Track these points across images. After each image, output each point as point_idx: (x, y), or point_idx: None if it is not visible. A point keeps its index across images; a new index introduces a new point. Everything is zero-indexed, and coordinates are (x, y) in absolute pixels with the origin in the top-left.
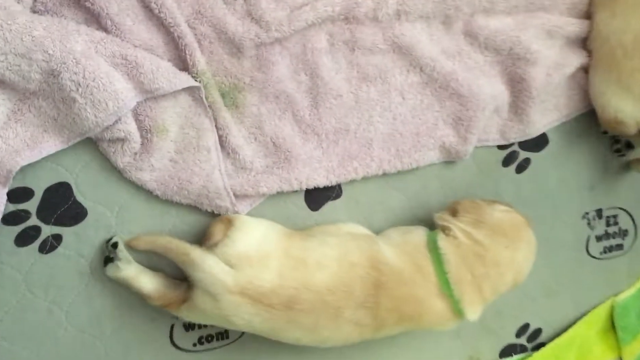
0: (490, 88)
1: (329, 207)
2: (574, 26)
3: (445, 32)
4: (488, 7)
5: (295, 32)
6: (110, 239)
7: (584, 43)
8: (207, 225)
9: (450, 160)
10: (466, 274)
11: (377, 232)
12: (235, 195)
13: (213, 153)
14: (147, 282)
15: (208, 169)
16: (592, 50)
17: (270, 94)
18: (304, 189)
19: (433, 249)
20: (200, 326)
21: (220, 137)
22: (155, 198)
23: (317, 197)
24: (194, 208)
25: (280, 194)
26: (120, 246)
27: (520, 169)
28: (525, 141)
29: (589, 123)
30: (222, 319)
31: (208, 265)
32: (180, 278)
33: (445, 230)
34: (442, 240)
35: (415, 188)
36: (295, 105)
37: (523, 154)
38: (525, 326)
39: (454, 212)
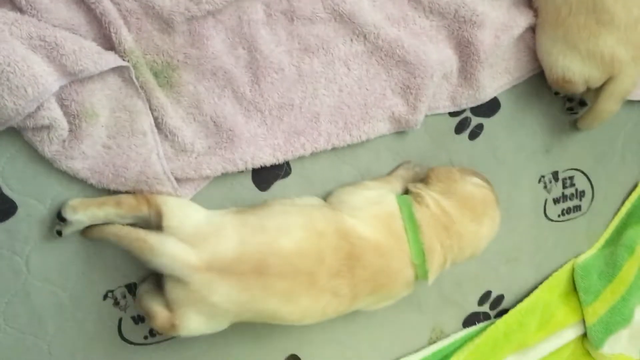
0: (438, 54)
1: (279, 186)
2: None
3: None
4: None
5: (228, 4)
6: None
7: (531, 2)
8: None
9: (401, 130)
10: (436, 244)
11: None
12: (177, 179)
13: (149, 136)
14: None
15: (145, 154)
16: (537, 9)
17: (206, 71)
18: (251, 169)
19: (409, 219)
20: None
21: (155, 119)
22: (90, 187)
23: (265, 177)
24: None
25: (226, 175)
26: (67, 215)
27: (474, 135)
28: (477, 107)
29: (541, 85)
30: (208, 307)
31: (169, 248)
32: None
33: (417, 198)
34: (418, 211)
35: (366, 161)
36: (235, 81)
37: (475, 120)
38: (487, 294)
39: (426, 179)
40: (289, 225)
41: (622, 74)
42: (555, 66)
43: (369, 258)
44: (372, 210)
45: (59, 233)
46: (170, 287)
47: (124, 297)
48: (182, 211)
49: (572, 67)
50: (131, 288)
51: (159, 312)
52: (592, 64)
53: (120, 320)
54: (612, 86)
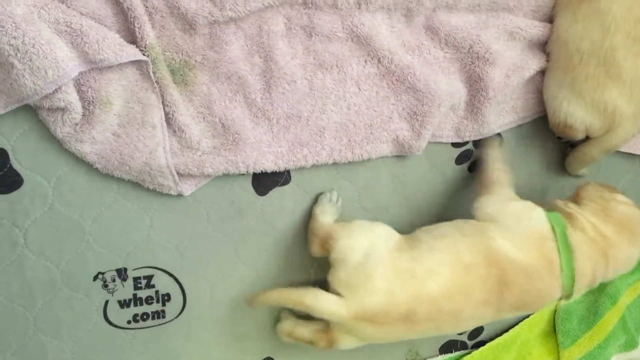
0: (448, 85)
1: (277, 192)
2: (537, 29)
3: (406, 24)
4: (451, 3)
5: (251, 13)
6: None
7: (544, 46)
8: (151, 201)
9: (402, 154)
10: (588, 269)
11: None
12: (179, 174)
13: (158, 130)
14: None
15: (151, 146)
16: (549, 54)
17: (222, 74)
18: (252, 173)
19: (562, 242)
20: (135, 304)
21: (167, 114)
22: (95, 171)
23: (264, 182)
24: (136, 184)
25: (226, 176)
26: None
27: (473, 167)
28: (480, 140)
29: (545, 128)
30: (359, 338)
31: (323, 307)
32: None
33: (570, 219)
34: (572, 235)
35: (365, 180)
36: (247, 87)
37: (477, 153)
38: None
39: (576, 198)
40: (437, 265)
41: (620, 128)
42: (559, 111)
43: (518, 281)
44: (524, 229)
45: None
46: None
47: (113, 280)
48: (344, 253)
49: (575, 114)
50: (121, 273)
51: (319, 340)
52: (594, 114)
53: (106, 303)
54: (606, 136)
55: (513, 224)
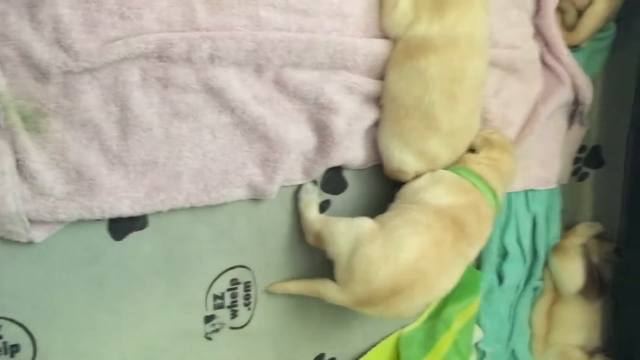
0: (297, 134)
1: (134, 237)
2: (371, 85)
3: (257, 79)
4: (297, 61)
5: (106, 64)
6: None
7: (379, 100)
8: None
9: (257, 197)
10: (498, 185)
11: (181, 263)
12: (31, 221)
13: (8, 176)
14: None
15: (1, 193)
16: (382, 107)
17: (76, 122)
18: (107, 218)
19: (471, 174)
20: None
21: (18, 160)
22: None
23: (121, 227)
24: None
25: (81, 222)
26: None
27: (322, 209)
28: (327, 184)
29: (381, 172)
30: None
31: (330, 296)
32: None
33: (464, 163)
34: (474, 168)
35: (222, 223)
36: (103, 135)
37: (325, 196)
38: (321, 356)
39: (471, 148)
40: (403, 238)
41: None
42: (392, 158)
43: (468, 217)
44: (443, 185)
45: None
46: None
47: None
48: (334, 256)
49: (406, 161)
50: None
51: None
52: (420, 160)
53: None
54: None
55: (432, 185)
